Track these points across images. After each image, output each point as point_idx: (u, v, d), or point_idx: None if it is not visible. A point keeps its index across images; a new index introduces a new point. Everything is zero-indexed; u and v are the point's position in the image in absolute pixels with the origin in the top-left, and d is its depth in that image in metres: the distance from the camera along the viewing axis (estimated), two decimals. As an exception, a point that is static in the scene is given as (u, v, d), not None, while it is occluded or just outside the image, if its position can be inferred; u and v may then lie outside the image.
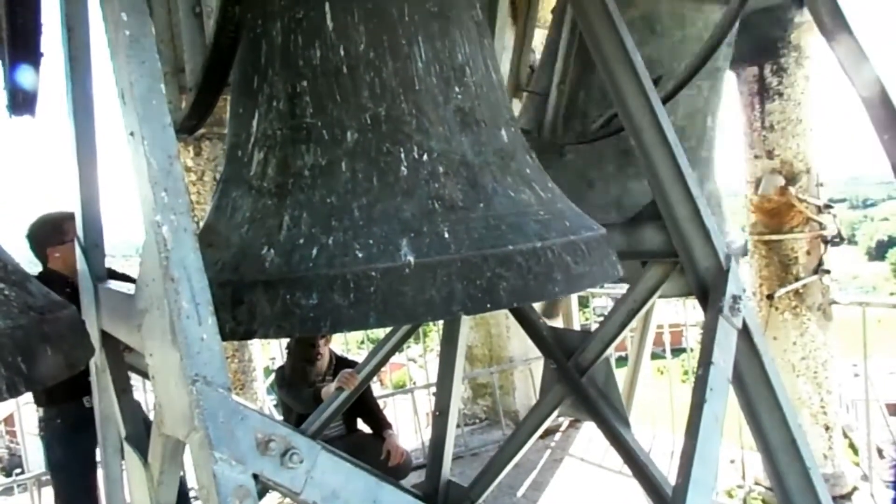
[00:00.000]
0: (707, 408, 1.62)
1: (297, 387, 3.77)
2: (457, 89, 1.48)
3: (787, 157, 3.92)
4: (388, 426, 3.97)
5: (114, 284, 1.70)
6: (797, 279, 3.90)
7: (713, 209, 2.75)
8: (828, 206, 3.94)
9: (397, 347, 3.09)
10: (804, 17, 3.73)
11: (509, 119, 1.60)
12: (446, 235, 1.26)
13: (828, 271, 3.92)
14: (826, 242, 3.92)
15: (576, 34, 2.60)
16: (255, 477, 0.96)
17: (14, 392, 1.03)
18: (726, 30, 1.99)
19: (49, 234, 2.97)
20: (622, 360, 5.82)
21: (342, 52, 1.42)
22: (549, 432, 5.18)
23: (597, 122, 2.51)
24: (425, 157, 1.36)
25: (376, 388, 6.69)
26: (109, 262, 2.90)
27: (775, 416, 1.81)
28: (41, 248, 3.02)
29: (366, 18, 1.44)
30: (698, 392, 1.65)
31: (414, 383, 6.09)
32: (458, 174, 1.37)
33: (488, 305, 1.24)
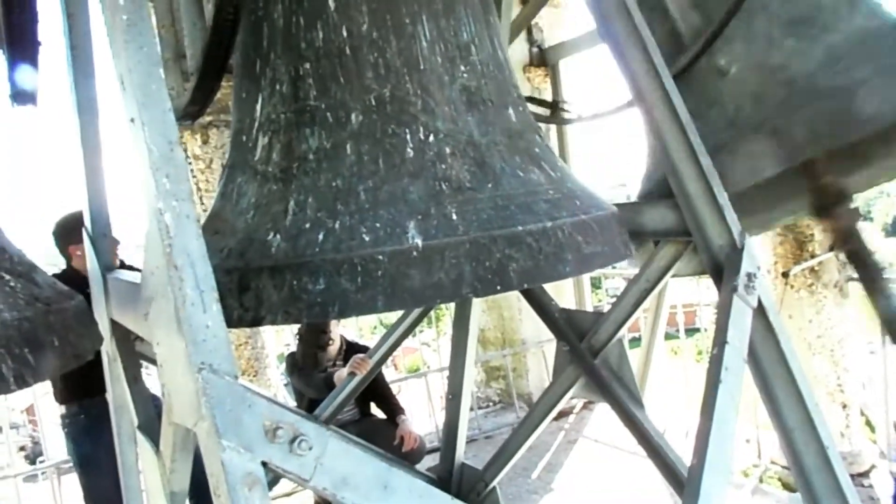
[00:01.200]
0: (722, 388, 1.59)
1: (309, 372, 3.78)
2: (462, 68, 1.45)
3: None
4: (402, 411, 3.98)
5: (122, 274, 1.70)
6: (812, 256, 3.85)
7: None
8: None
9: (409, 331, 3.08)
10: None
11: (517, 97, 1.57)
12: (454, 217, 1.23)
13: (844, 248, 3.86)
14: (842, 218, 3.86)
15: None
16: (265, 465, 0.95)
17: (22, 383, 1.03)
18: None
19: (72, 231, 2.99)
20: (635, 341, 5.80)
21: (345, 33, 1.40)
22: (563, 414, 5.19)
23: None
24: (431, 137, 1.34)
25: (390, 373, 6.72)
26: (122, 252, 2.92)
27: (792, 394, 1.78)
28: (64, 245, 3.04)
29: (368, -3, 1.41)
30: (713, 372, 1.62)
31: (427, 367, 6.11)
32: (466, 154, 1.34)
33: (498, 287, 1.22)
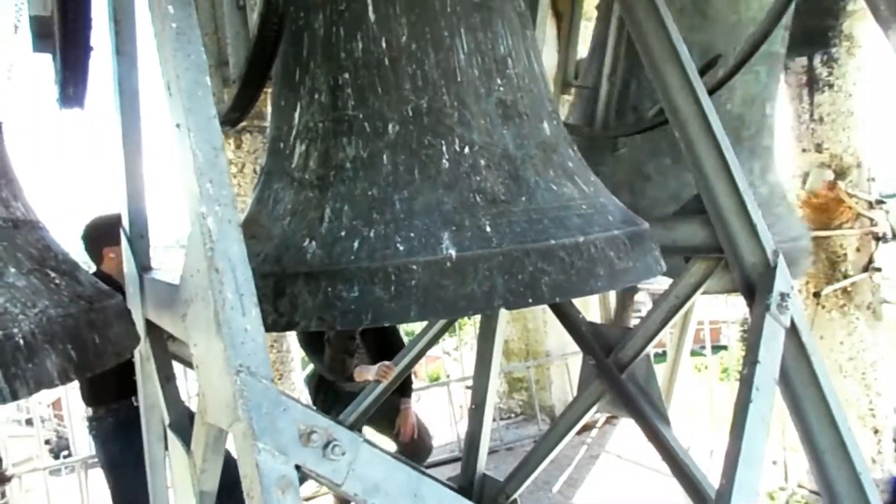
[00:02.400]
0: (753, 408, 1.57)
1: (334, 374, 3.80)
2: (499, 81, 1.46)
3: (837, 150, 3.80)
4: (408, 394, 3.92)
5: (159, 274, 1.73)
6: (845, 277, 3.79)
7: (777, 201, 2.66)
8: (880, 202, 3.81)
9: (435, 340, 3.09)
10: (857, 4, 3.60)
11: (552, 111, 1.58)
12: (488, 229, 1.24)
13: (879, 269, 3.80)
14: (878, 239, 3.80)
15: (624, 26, 2.55)
16: (298, 468, 0.96)
17: (65, 378, 1.06)
18: (781, 11, 1.92)
19: (105, 233, 3.02)
20: (660, 357, 5.74)
21: (384, 44, 1.42)
22: (586, 428, 5.15)
23: (651, 111, 2.46)
24: (467, 149, 1.35)
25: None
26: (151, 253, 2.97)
27: (823, 417, 1.75)
28: (96, 247, 3.07)
29: (408, 10, 1.43)
30: (744, 391, 1.61)
31: (448, 376, 6.10)
32: (500, 167, 1.35)
33: (530, 300, 1.22)
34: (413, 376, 4.17)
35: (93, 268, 3.15)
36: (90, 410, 3.14)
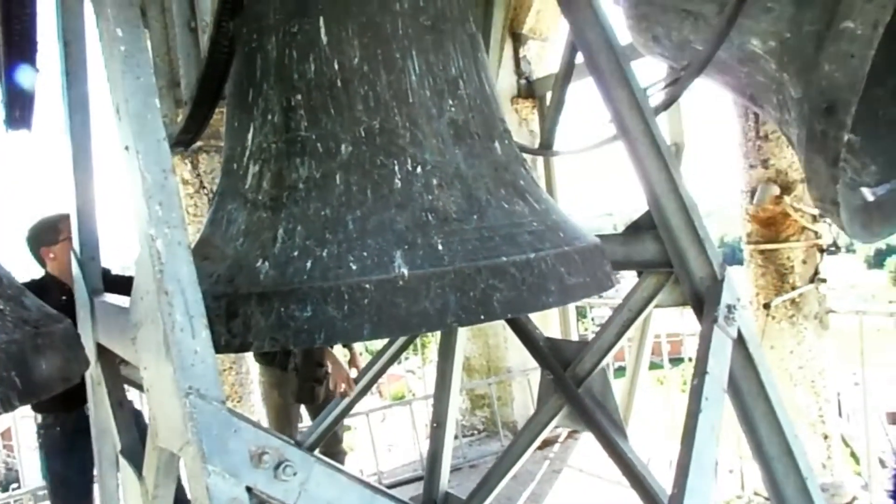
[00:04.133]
0: (702, 417, 1.62)
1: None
2: (450, 102, 1.49)
3: (782, 166, 3.94)
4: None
5: (109, 297, 1.71)
6: (793, 288, 3.91)
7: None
8: (823, 215, 3.96)
9: (395, 358, 3.08)
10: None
11: (503, 131, 1.61)
12: (440, 247, 1.26)
13: (824, 280, 3.93)
14: (822, 251, 3.93)
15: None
16: (249, 490, 0.96)
17: (8, 406, 1.03)
18: (725, 33, 1.99)
19: (43, 234, 2.99)
20: (621, 371, 5.82)
21: (336, 66, 1.44)
22: (548, 443, 5.18)
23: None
24: (419, 169, 1.37)
25: (374, 400, 6.67)
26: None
27: (772, 425, 1.81)
28: (37, 249, 3.02)
29: (360, 32, 1.45)
30: (693, 401, 1.65)
31: (413, 395, 6.08)
32: (452, 186, 1.38)
33: (482, 317, 1.24)
34: (378, 395, 4.15)
35: (41, 272, 3.08)
36: (39, 418, 3.04)
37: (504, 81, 5.34)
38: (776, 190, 3.90)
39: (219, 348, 1.16)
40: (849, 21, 1.81)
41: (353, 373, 4.20)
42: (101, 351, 1.73)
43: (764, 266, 4.02)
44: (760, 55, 2.15)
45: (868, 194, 2.03)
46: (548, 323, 5.34)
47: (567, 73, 2.73)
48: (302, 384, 3.78)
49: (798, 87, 2.04)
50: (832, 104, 1.88)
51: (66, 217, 2.96)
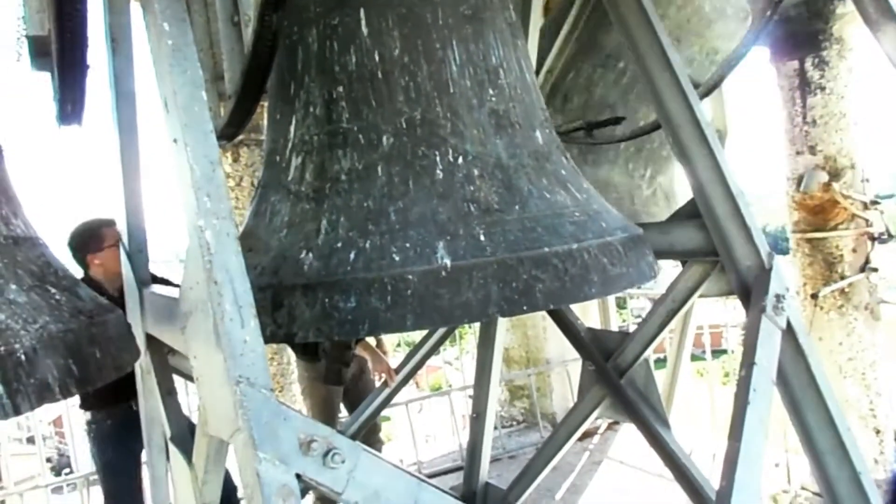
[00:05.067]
0: (751, 410, 1.58)
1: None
2: (491, 92, 1.48)
3: (831, 152, 3.82)
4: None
5: (158, 288, 1.75)
6: (842, 278, 3.80)
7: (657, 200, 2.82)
8: (874, 203, 3.83)
9: (434, 350, 3.10)
10: (846, 7, 3.63)
11: (544, 120, 1.59)
12: (482, 238, 1.26)
13: (875, 269, 3.81)
14: (873, 239, 3.81)
15: (579, 22, 2.65)
16: (298, 477, 0.97)
17: (66, 393, 1.07)
18: (759, 34, 1.95)
19: (88, 241, 3.06)
20: (661, 362, 5.74)
21: (377, 57, 1.44)
22: (588, 434, 5.14)
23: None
24: (460, 160, 1.37)
25: (412, 391, 6.72)
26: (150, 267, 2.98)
27: (822, 418, 1.76)
28: (82, 255, 3.10)
29: (400, 23, 1.45)
30: (741, 394, 1.62)
31: (450, 386, 6.10)
32: (494, 177, 1.37)
33: (524, 307, 1.23)
34: (415, 386, 4.19)
35: (80, 273, 3.16)
36: (88, 414, 3.15)
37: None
38: (824, 177, 3.78)
39: (265, 338, 1.17)
40: None
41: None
42: (150, 341, 1.77)
43: (811, 255, 3.91)
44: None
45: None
46: (587, 314, 5.29)
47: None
48: (330, 365, 3.82)
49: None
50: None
51: (108, 223, 3.04)
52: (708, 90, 2.15)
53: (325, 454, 0.98)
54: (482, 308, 1.21)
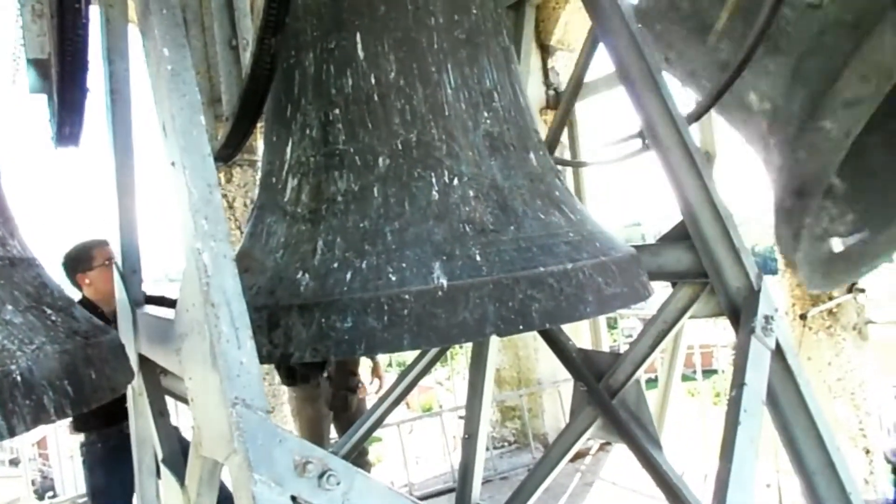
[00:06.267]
0: (741, 430, 1.59)
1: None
2: (485, 114, 1.51)
3: (818, 174, 3.88)
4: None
5: (151, 309, 1.74)
6: (831, 298, 3.83)
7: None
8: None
9: (427, 370, 3.09)
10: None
11: (537, 142, 1.62)
12: (478, 258, 1.27)
13: (862, 290, 3.85)
14: (860, 260, 3.85)
15: None
16: (293, 499, 0.97)
17: (61, 414, 1.06)
18: (754, 48, 1.99)
19: (78, 261, 3.07)
20: (652, 382, 5.74)
21: (373, 80, 1.46)
22: (580, 455, 5.12)
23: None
24: (456, 181, 1.39)
25: (403, 412, 6.69)
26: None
27: (812, 438, 1.77)
28: (73, 275, 3.10)
29: (395, 47, 1.48)
30: (732, 414, 1.63)
31: (441, 406, 6.07)
32: (489, 198, 1.39)
33: (521, 327, 1.25)
34: (406, 406, 4.19)
35: (77, 295, 3.16)
36: (82, 436, 3.12)
37: (532, 92, 5.34)
38: (812, 198, 3.83)
39: (261, 359, 1.17)
40: (826, 121, 1.83)
41: (376, 383, 4.25)
42: (143, 362, 1.77)
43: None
44: (755, 111, 2.20)
45: (837, 244, 2.06)
46: (578, 334, 5.30)
47: (576, 89, 2.75)
48: (336, 392, 3.82)
49: (779, 157, 2.09)
50: (802, 188, 1.94)
51: (99, 243, 3.05)
52: (696, 116, 2.19)
53: (321, 476, 0.98)
54: (479, 327, 1.22)
